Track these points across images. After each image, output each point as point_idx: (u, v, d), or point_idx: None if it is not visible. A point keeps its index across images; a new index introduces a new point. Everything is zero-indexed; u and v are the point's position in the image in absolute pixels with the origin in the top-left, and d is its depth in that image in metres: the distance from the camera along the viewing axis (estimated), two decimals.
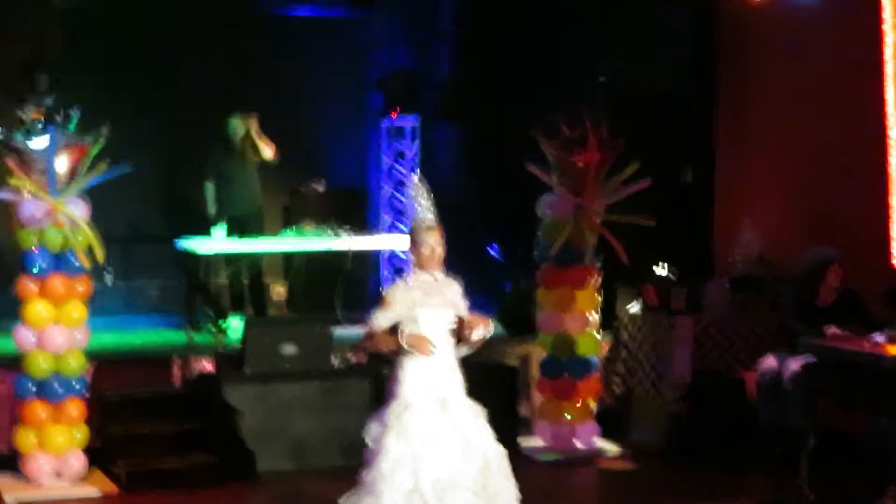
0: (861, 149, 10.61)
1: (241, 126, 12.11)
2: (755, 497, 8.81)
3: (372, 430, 7.02)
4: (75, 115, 9.14)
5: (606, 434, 10.49)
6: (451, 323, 7.07)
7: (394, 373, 7.08)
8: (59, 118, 9.15)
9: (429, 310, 7.00)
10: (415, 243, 7.06)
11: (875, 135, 10.42)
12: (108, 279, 12.88)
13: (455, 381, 7.10)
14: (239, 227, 12.01)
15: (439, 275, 7.08)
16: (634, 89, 12.18)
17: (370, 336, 7.06)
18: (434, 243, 7.02)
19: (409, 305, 6.97)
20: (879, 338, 8.36)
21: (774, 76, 11.54)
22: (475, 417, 7.06)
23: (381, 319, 7.00)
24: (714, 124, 12.20)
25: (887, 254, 10.21)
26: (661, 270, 11.04)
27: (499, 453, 7.07)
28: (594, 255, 10.23)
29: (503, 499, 7.02)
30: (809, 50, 11.19)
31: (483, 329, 7.03)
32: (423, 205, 7.12)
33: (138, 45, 12.89)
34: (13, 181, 8.95)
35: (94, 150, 9.11)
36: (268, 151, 12.11)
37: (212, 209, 12.15)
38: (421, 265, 7.05)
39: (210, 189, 12.16)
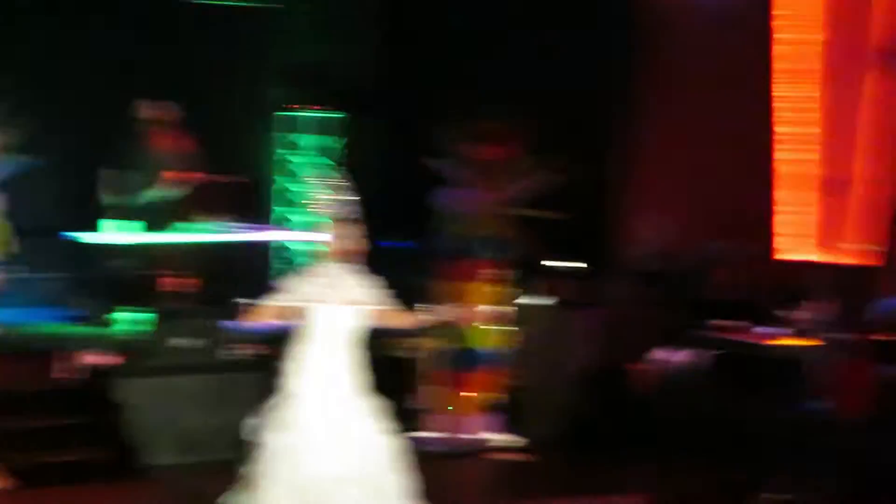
0: (755, 144, 10.77)
1: (149, 112, 11.93)
2: (645, 489, 8.85)
3: (252, 424, 6.98)
4: None
5: (501, 426, 10.51)
6: (350, 319, 7.05)
7: (282, 365, 7.05)
8: None
9: (321, 306, 6.97)
10: (322, 236, 7.03)
11: (765, 128, 10.59)
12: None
13: (343, 376, 7.07)
14: (138, 220, 11.84)
15: (345, 268, 7.05)
16: (545, 83, 12.21)
17: (257, 306, 7.03)
18: (342, 236, 7.01)
19: (302, 297, 6.93)
20: (765, 330, 8.49)
21: (675, 73, 11.65)
22: (362, 410, 7.05)
23: (272, 300, 6.97)
24: (615, 119, 12.27)
25: (770, 248, 10.38)
26: (561, 264, 11.08)
27: (387, 446, 7.06)
28: (491, 248, 10.24)
29: (391, 492, 7.01)
30: (708, 45, 11.31)
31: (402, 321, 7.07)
32: (332, 197, 7.10)
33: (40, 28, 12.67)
34: None
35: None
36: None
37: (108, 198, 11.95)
38: (328, 257, 7.02)
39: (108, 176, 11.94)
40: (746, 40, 10.82)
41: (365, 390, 7.13)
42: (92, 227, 11.53)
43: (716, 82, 11.17)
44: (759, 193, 10.68)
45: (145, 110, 11.90)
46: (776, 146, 10.63)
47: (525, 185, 10.10)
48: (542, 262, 11.00)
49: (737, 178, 10.90)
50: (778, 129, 10.67)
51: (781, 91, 10.81)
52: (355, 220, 7.11)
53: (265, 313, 7.06)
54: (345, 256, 7.02)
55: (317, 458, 6.84)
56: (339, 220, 7.04)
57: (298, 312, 6.96)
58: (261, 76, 14.03)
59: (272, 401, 6.95)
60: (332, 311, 6.98)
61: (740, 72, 10.90)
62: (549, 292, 10.69)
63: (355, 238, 7.07)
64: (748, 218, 10.66)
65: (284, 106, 14.13)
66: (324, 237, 7.00)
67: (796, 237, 10.60)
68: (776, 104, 10.74)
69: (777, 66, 10.71)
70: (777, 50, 10.67)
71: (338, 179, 7.21)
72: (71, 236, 11.56)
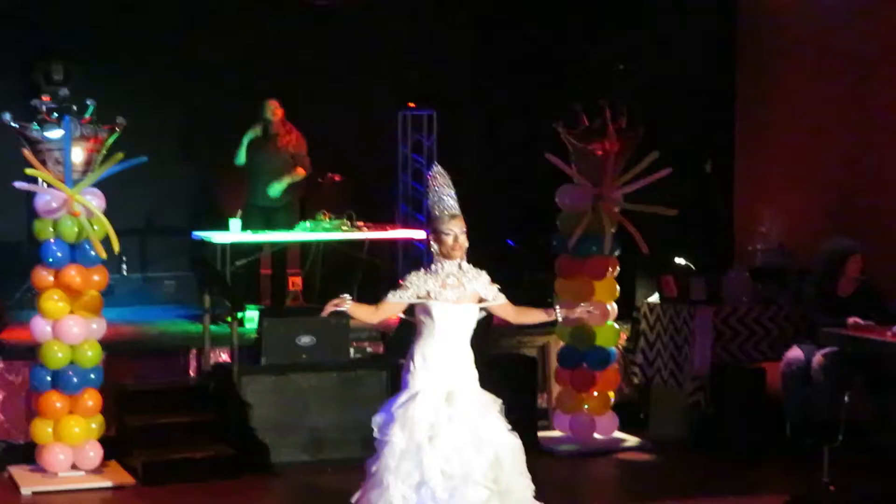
0: (885, 140, 10.53)
1: (278, 110, 12.03)
2: (777, 491, 8.68)
3: (378, 421, 6.96)
4: (91, 105, 9.10)
5: (625, 426, 10.43)
6: (471, 316, 7.01)
7: (406, 361, 7.02)
8: (74, 109, 9.10)
9: (443, 304, 6.93)
10: (437, 233, 6.98)
11: None
12: (124, 270, 12.86)
13: (467, 373, 7.03)
14: (265, 220, 11.95)
15: (465, 265, 7.00)
16: (655, 79, 12.12)
17: (375, 308, 7.02)
18: (458, 231, 6.95)
19: (423, 294, 6.90)
20: None
21: (797, 66, 11.48)
22: (486, 410, 6.98)
23: (392, 297, 6.94)
24: (735, 114, 12.12)
25: None
26: (680, 261, 10.95)
27: (512, 447, 6.98)
28: (613, 246, 10.14)
29: (516, 494, 6.93)
30: (833, 40, 11.11)
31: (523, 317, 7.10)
32: (445, 193, 7.05)
33: (153, 32, 12.80)
34: (29, 172, 8.91)
35: (110, 141, 9.09)
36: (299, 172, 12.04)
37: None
38: (444, 254, 6.97)
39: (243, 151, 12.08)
40: (878, 32, 10.58)
41: (489, 388, 7.07)
42: (220, 226, 11.64)
43: (844, 76, 10.94)
44: (891, 190, 10.42)
45: (272, 109, 11.98)
46: None
47: (643, 181, 9.94)
48: (664, 260, 10.84)
49: (868, 173, 10.66)
50: None
51: None
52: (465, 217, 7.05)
53: (390, 310, 7.03)
54: (463, 252, 6.97)
55: (443, 457, 6.80)
56: (457, 215, 6.98)
57: (423, 309, 6.93)
58: (381, 75, 14.03)
59: (398, 398, 6.92)
60: (454, 306, 6.93)
61: (870, 65, 10.65)
62: (671, 289, 10.53)
63: (467, 234, 7.00)
64: (882, 212, 10.42)
65: (407, 105, 14.13)
66: (446, 232, 6.94)
67: None
68: None
69: None
70: None
71: (450, 176, 7.15)
72: (200, 236, 11.67)
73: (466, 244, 6.99)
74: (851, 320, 8.75)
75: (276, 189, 11.92)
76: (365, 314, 7.10)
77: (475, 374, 7.04)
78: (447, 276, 6.93)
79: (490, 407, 6.99)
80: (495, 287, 7.09)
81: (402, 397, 6.92)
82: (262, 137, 12.11)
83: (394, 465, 6.78)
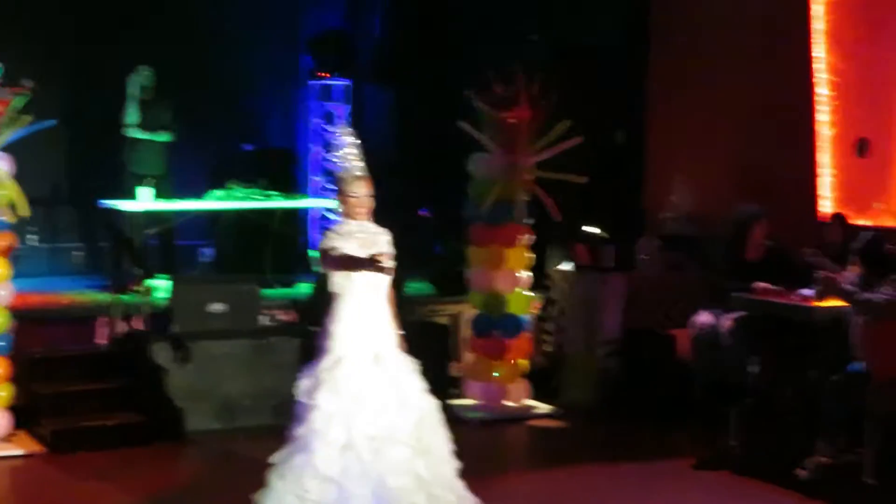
0: (791, 106, 10.68)
1: (152, 77, 11.95)
2: (686, 454, 8.78)
3: (303, 385, 6.94)
4: None
5: (537, 393, 10.48)
6: (384, 276, 7.00)
7: (326, 327, 7.00)
8: None
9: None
10: (343, 193, 6.97)
11: (804, 92, 10.48)
12: (33, 240, 12.70)
13: (388, 335, 7.04)
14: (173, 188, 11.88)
15: (369, 225, 7.00)
16: (567, 48, 12.16)
17: (336, 259, 6.93)
18: (362, 192, 6.94)
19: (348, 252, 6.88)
20: (807, 292, 8.38)
21: (706, 35, 11.57)
22: (409, 372, 7.01)
23: (343, 251, 6.87)
24: (646, 83, 12.21)
25: (814, 210, 10.27)
26: (591, 229, 11.03)
27: (432, 407, 7.02)
28: (525, 214, 10.17)
29: (438, 452, 6.97)
30: (740, 8, 11.22)
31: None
32: (350, 154, 7.04)
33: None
34: None
35: (17, 104, 8.94)
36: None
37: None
38: (349, 215, 6.96)
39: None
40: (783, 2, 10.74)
41: (404, 349, 7.09)
42: (128, 197, 11.53)
43: (751, 45, 11.07)
44: (795, 156, 10.57)
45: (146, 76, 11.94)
46: (816, 107, 10.51)
47: (555, 149, 9.98)
48: (575, 228, 10.92)
49: (771, 141, 10.82)
50: (818, 90, 10.55)
51: (819, 52, 10.67)
52: (377, 190, 7.03)
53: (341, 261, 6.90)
54: (367, 213, 6.96)
55: (369, 420, 6.80)
56: (362, 176, 6.97)
57: (338, 273, 6.89)
58: (291, 44, 13.96)
59: (323, 362, 6.89)
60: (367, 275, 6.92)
61: (776, 32, 10.79)
62: (583, 257, 10.60)
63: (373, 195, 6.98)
64: (784, 180, 10.57)
65: (317, 74, 14.08)
66: (352, 192, 6.93)
67: (836, 199, 10.49)
68: (815, 65, 10.61)
69: (817, 24, 10.58)
70: (816, 8, 10.55)
71: (357, 137, 7.12)
72: (107, 204, 11.54)
73: (372, 205, 6.99)
74: (760, 285, 8.86)
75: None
76: None
77: (394, 334, 7.05)
78: (360, 237, 6.92)
79: (411, 367, 7.01)
80: (391, 251, 7.06)
81: (327, 361, 6.90)
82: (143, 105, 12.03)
83: (321, 429, 6.76)
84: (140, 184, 11.63)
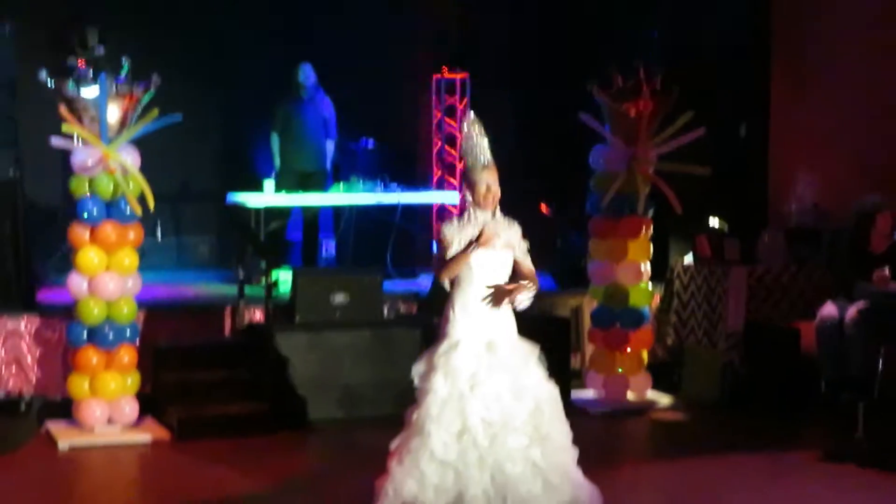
0: None
1: (311, 74, 12.09)
2: (811, 448, 8.67)
3: (419, 370, 6.98)
4: (126, 63, 9.13)
5: (658, 386, 10.43)
6: (507, 263, 7.01)
7: (445, 311, 7.03)
8: (109, 66, 9.15)
9: (484, 250, 6.94)
10: (470, 183, 6.97)
11: None
12: (159, 235, 12.95)
13: (507, 323, 7.05)
14: (301, 184, 12.00)
15: (498, 215, 7.02)
16: (689, 42, 12.08)
17: (443, 261, 6.97)
18: (490, 181, 6.95)
19: (465, 243, 6.91)
20: None
21: (830, 25, 11.42)
22: (526, 359, 7.00)
23: (447, 253, 6.93)
24: (769, 75, 12.07)
25: None
26: (714, 222, 10.93)
27: (551, 395, 7.00)
28: (647, 206, 10.12)
29: (556, 441, 6.96)
30: (864, 4, 11.07)
31: (526, 295, 6.96)
32: (478, 143, 7.05)
33: None
34: (66, 129, 8.96)
35: (145, 99, 9.12)
36: None
37: (277, 161, 12.15)
38: (478, 205, 6.98)
39: (275, 141, 12.16)
40: None
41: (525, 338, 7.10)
42: (254, 190, 11.68)
43: (876, 35, 10.90)
44: None
45: (305, 73, 12.04)
46: None
47: (677, 141, 9.91)
48: (697, 221, 10.83)
49: (892, 134, 10.62)
50: None
51: None
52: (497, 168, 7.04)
53: (454, 266, 6.96)
54: (495, 203, 6.97)
55: (484, 405, 6.82)
56: (489, 166, 6.98)
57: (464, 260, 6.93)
58: (413, 39, 14.03)
59: (439, 347, 6.93)
60: (492, 253, 6.93)
61: None
62: (705, 250, 10.51)
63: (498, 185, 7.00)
64: None
65: (441, 69, 14.14)
66: (480, 182, 6.94)
67: None
68: None
69: None
70: None
71: (482, 128, 7.14)
72: (235, 199, 11.72)
73: (499, 194, 6.99)
74: (878, 273, 8.69)
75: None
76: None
77: (514, 322, 7.06)
78: (483, 225, 6.93)
79: (529, 356, 7.01)
80: (526, 242, 7.10)
81: (443, 346, 6.93)
82: (295, 102, 12.16)
83: (436, 414, 6.80)
84: (291, 178, 11.83)
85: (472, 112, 7.21)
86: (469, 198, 7.02)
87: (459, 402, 6.81)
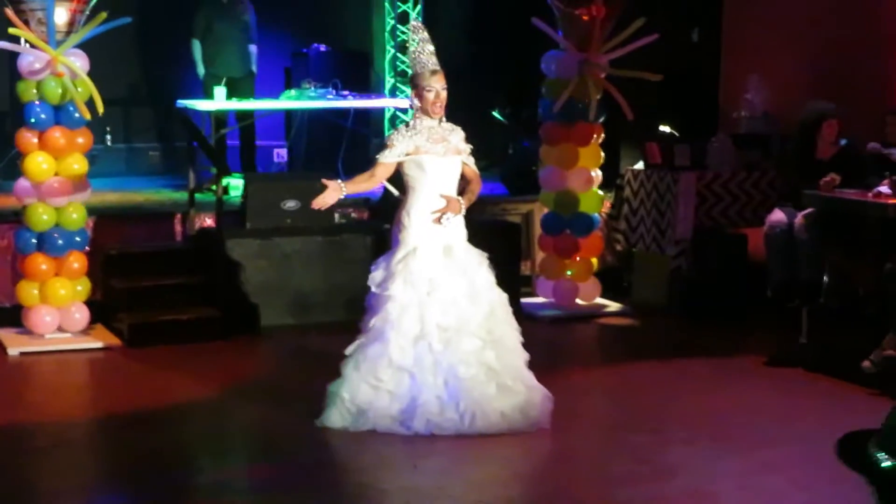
0: (868, 7, 10.50)
1: None
2: (757, 352, 8.77)
3: (377, 277, 7.02)
4: None
5: (608, 292, 10.50)
6: (457, 169, 7.06)
7: (398, 218, 7.06)
8: None
9: (433, 156, 6.97)
10: (419, 88, 7.02)
11: None
12: (108, 140, 12.85)
13: (459, 228, 7.11)
14: (230, 90, 11.91)
15: (444, 121, 7.05)
16: None
17: (369, 174, 7.04)
18: (439, 87, 6.97)
19: (412, 150, 6.94)
20: (883, 189, 8.27)
21: None
22: (479, 264, 7.07)
23: (386, 157, 6.97)
24: None
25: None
26: (664, 128, 10.96)
27: (502, 299, 7.11)
28: (598, 112, 10.12)
29: (508, 343, 7.06)
30: None
31: (452, 214, 7.00)
32: (425, 49, 7.06)
33: None
34: (12, 31, 8.84)
35: (93, 1, 9.01)
36: None
37: (200, 69, 12.03)
38: (425, 111, 7.00)
39: (197, 47, 12.02)
40: None
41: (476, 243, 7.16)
42: (203, 96, 11.59)
43: None
44: (871, 55, 10.39)
45: None
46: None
47: (629, 47, 9.89)
48: (648, 127, 10.85)
49: (847, 39, 10.64)
50: None
51: None
52: (449, 90, 7.07)
53: (386, 171, 7.05)
54: (442, 109, 7.00)
55: (441, 309, 6.89)
56: (438, 71, 7.00)
57: (414, 164, 6.96)
58: None
59: (395, 254, 6.97)
60: (443, 159, 6.97)
61: None
62: (655, 156, 10.54)
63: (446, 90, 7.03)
64: (860, 79, 10.41)
65: None
66: (428, 88, 6.96)
67: None
68: None
69: None
70: None
71: (436, 48, 7.15)
72: (183, 105, 11.62)
73: (445, 100, 7.03)
74: (824, 179, 8.74)
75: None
76: (362, 185, 7.14)
77: (464, 228, 7.11)
78: (430, 131, 6.97)
79: (482, 260, 7.07)
80: (468, 147, 7.14)
81: (400, 252, 6.98)
82: (216, 6, 12.02)
83: (395, 319, 6.87)
84: (218, 84, 11.72)
85: (417, 19, 7.20)
86: (416, 104, 7.04)
87: (419, 308, 6.88)
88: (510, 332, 7.09)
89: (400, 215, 7.08)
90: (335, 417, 6.99)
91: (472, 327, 6.95)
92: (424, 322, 6.89)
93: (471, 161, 7.14)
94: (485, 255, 7.15)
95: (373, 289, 7.03)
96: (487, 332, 6.99)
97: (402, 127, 7.17)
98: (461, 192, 7.11)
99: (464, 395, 6.88)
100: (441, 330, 6.91)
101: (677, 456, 6.72)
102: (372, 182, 7.15)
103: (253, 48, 12.20)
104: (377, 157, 7.09)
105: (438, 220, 6.97)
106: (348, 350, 7.06)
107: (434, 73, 7.00)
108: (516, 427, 6.92)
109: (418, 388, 6.90)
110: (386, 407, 6.91)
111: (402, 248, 7.00)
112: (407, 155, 6.96)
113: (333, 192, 6.99)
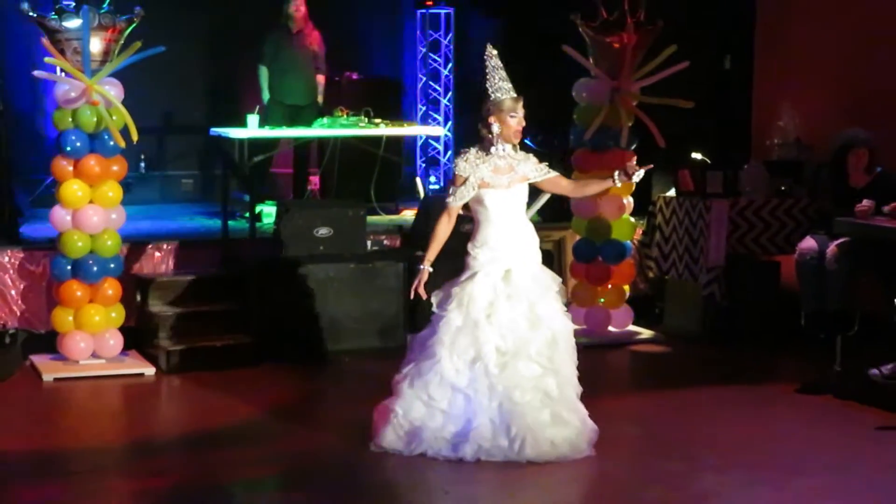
0: None
1: (301, 6, 12.02)
2: (789, 380, 8.75)
3: (437, 297, 7.06)
4: None
5: (640, 319, 10.50)
6: (522, 195, 7.08)
7: (469, 251, 7.08)
8: None
9: (495, 191, 7.00)
10: (502, 114, 7.00)
11: None
12: (142, 168, 12.95)
13: (528, 251, 7.13)
14: (292, 118, 11.99)
15: (517, 148, 7.10)
16: None
17: (446, 219, 7.11)
18: (521, 113, 7.01)
19: (478, 182, 6.97)
20: None
21: None
22: (545, 289, 7.07)
23: (455, 202, 7.02)
24: (755, 7, 12.03)
25: None
26: (696, 155, 10.96)
27: (567, 329, 7.12)
28: (630, 139, 10.13)
29: (566, 374, 7.07)
30: None
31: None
32: (501, 76, 7.09)
33: None
34: (48, 61, 8.94)
35: (128, 31, 9.11)
36: None
37: (265, 94, 12.09)
38: (506, 137, 7.03)
39: (264, 73, 12.09)
40: None
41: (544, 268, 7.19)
42: (238, 124, 11.65)
43: None
44: None
45: (295, 4, 11.98)
46: None
47: (661, 75, 9.91)
48: (680, 154, 10.85)
49: (882, 66, 10.62)
50: None
51: None
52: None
53: (456, 213, 7.08)
54: (515, 136, 7.03)
55: (499, 333, 6.92)
56: (519, 98, 7.04)
57: (476, 199, 7.01)
58: None
59: (459, 278, 6.99)
60: (506, 192, 7.01)
61: None
62: (687, 183, 10.54)
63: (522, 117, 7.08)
64: (891, 106, 10.38)
65: (424, 3, 14.10)
66: (513, 114, 6.99)
67: None
68: None
69: None
70: None
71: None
72: (218, 132, 11.70)
73: (521, 126, 7.07)
74: (859, 206, 8.73)
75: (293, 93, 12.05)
76: (442, 238, 7.14)
77: (537, 252, 7.14)
78: (500, 160, 6.99)
79: (549, 286, 7.07)
80: (544, 165, 7.16)
81: (463, 277, 7.02)
82: (285, 34, 12.11)
83: (448, 341, 6.91)
84: (281, 111, 11.81)
85: (490, 45, 7.21)
86: (496, 130, 7.02)
87: (474, 330, 6.90)
88: (570, 363, 7.10)
89: (469, 247, 7.11)
90: (391, 437, 6.99)
91: (531, 352, 6.95)
92: (480, 345, 6.91)
93: (551, 175, 7.15)
94: (557, 279, 7.17)
95: (434, 309, 7.07)
96: (548, 359, 6.99)
97: (471, 152, 7.10)
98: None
99: (516, 419, 6.87)
100: (499, 354, 6.93)
101: (710, 483, 6.70)
102: (451, 225, 7.14)
103: (320, 78, 12.28)
104: (447, 200, 7.09)
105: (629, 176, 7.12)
106: (405, 369, 7.07)
107: (516, 99, 7.05)
108: (563, 458, 6.91)
109: (473, 410, 6.91)
110: (440, 428, 6.91)
111: (465, 273, 7.04)
112: (475, 189, 6.99)
113: (425, 274, 7.09)
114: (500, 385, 6.89)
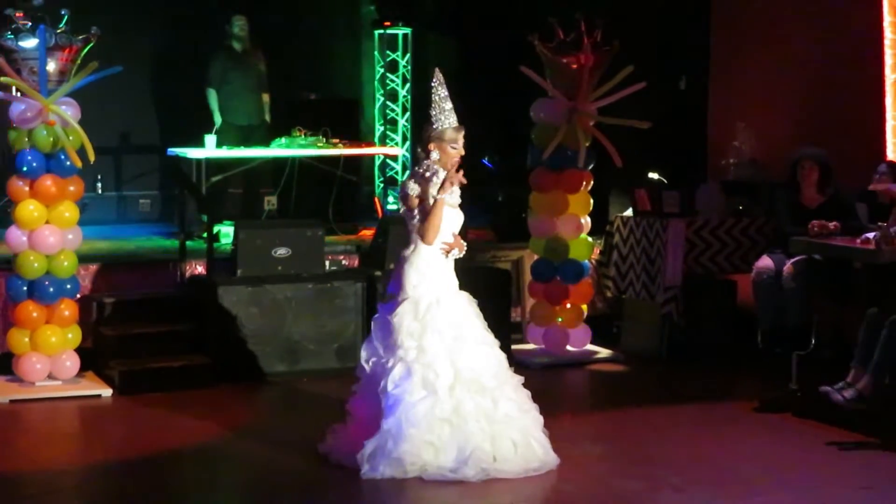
0: (856, 50, 10.59)
1: (246, 26, 12.02)
2: (746, 398, 8.80)
3: (405, 328, 6.96)
4: (65, 15, 9.08)
5: (598, 339, 10.52)
6: (457, 224, 7.12)
7: (402, 271, 7.03)
8: (48, 18, 9.09)
9: (450, 209, 7.04)
10: (443, 143, 7.04)
11: (871, 36, 10.38)
12: (99, 188, 12.89)
13: (453, 278, 7.17)
14: (244, 138, 11.96)
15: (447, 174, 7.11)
16: None
17: (423, 223, 7.05)
18: (461, 144, 7.06)
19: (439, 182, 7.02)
20: (871, 235, 8.31)
21: None
22: (477, 316, 7.14)
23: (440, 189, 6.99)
24: (710, 29, 12.13)
25: (882, 156, 10.17)
26: (653, 175, 11.02)
27: (498, 352, 7.24)
28: (587, 160, 10.17)
29: (520, 392, 7.18)
30: None
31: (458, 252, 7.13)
32: (448, 105, 7.11)
33: None
34: (3, 80, 8.89)
35: (85, 51, 9.07)
36: None
37: (217, 118, 12.07)
38: (443, 165, 7.06)
39: (213, 96, 12.07)
40: None
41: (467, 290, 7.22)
42: (195, 144, 11.62)
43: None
44: (862, 101, 10.47)
45: (241, 25, 11.98)
46: (885, 52, 10.39)
47: (617, 95, 9.96)
48: (637, 174, 10.91)
49: (836, 85, 10.73)
50: (887, 34, 10.41)
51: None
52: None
53: (434, 220, 7.02)
54: (452, 166, 7.04)
55: (468, 354, 6.97)
56: (461, 128, 7.08)
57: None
58: None
59: (420, 306, 6.96)
60: (455, 211, 7.06)
61: None
62: (644, 203, 10.59)
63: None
64: (850, 126, 10.49)
65: (382, 24, 14.13)
66: (455, 144, 7.03)
67: None
68: (883, 8, 10.48)
69: None
70: None
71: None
72: (175, 152, 11.65)
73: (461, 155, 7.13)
74: (813, 224, 8.82)
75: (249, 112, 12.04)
76: (437, 222, 7.04)
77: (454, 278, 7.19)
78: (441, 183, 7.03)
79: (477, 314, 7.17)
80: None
81: (422, 304, 6.95)
82: (231, 55, 12.09)
83: (439, 370, 6.90)
84: (232, 133, 11.80)
85: (438, 71, 7.22)
86: (436, 156, 7.05)
87: (449, 354, 6.89)
88: (512, 382, 7.19)
89: (404, 267, 7.05)
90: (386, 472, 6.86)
91: (495, 370, 7.06)
92: (458, 369, 6.91)
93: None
94: (475, 303, 7.23)
95: (402, 343, 6.96)
96: (505, 370, 7.13)
97: (422, 171, 7.10)
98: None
99: (508, 431, 6.98)
100: (472, 374, 6.93)
101: (669, 502, 6.72)
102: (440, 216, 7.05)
103: (265, 97, 12.27)
104: (433, 194, 6.99)
105: (446, 254, 6.99)
106: (390, 403, 6.90)
107: (458, 129, 7.08)
108: (546, 458, 7.05)
109: (464, 437, 6.88)
110: (432, 461, 6.85)
111: (423, 299, 7.00)
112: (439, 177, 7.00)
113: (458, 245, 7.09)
114: (480, 406, 6.95)
